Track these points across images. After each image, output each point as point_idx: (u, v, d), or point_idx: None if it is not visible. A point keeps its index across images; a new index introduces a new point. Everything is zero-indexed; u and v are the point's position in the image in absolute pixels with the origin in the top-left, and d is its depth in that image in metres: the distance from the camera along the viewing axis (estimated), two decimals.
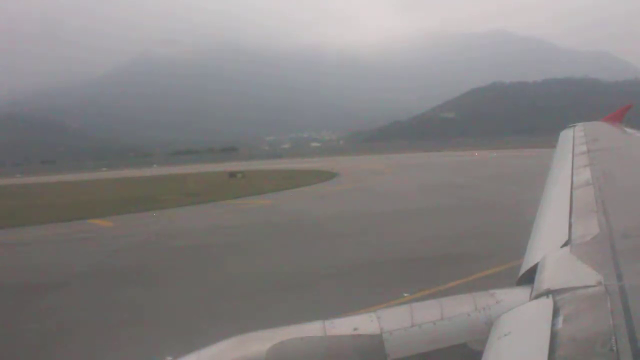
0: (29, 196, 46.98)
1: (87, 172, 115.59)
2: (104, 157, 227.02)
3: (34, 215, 29.12)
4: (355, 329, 1.82)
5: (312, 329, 1.85)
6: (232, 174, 55.00)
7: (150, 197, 36.71)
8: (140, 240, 19.12)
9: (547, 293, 1.64)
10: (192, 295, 11.12)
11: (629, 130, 6.29)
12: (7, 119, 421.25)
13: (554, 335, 1.35)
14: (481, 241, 13.99)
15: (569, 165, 3.97)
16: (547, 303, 1.57)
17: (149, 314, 9.99)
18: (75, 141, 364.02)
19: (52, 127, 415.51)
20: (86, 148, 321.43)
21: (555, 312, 1.47)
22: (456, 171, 44.51)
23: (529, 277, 1.95)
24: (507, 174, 36.19)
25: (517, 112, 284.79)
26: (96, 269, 14.57)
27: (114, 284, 12.78)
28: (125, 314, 10.01)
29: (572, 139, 5.65)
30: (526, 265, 2.10)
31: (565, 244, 2.08)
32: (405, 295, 8.93)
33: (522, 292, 1.85)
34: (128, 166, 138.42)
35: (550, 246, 2.14)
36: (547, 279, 1.77)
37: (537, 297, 1.68)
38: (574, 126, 6.83)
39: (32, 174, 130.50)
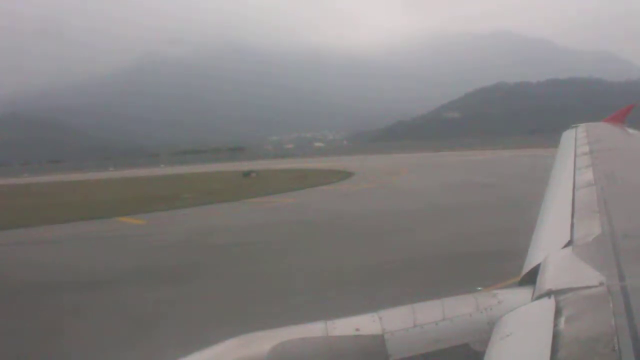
0: (45, 195, 47.18)
1: (95, 172, 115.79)
2: (108, 157, 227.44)
3: (58, 213, 29.20)
4: (357, 330, 1.83)
5: (314, 330, 1.86)
6: (246, 173, 55.02)
7: (170, 195, 36.69)
8: (181, 238, 18.93)
9: (549, 293, 1.63)
10: (269, 290, 11.07)
11: (631, 130, 6.32)
12: (11, 119, 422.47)
13: (556, 336, 1.35)
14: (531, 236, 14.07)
15: (571, 166, 3.97)
16: (549, 303, 1.56)
17: (237, 309, 9.84)
18: (79, 141, 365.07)
19: (55, 126, 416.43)
20: (90, 147, 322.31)
21: (558, 313, 1.47)
22: (473, 170, 44.37)
23: (531, 278, 1.96)
24: (527, 173, 36.12)
25: (521, 112, 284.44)
26: (153, 266, 14.44)
27: (183, 280, 12.65)
28: (213, 310, 9.94)
29: (574, 139, 5.65)
30: (528, 266, 2.11)
31: (567, 245, 2.09)
32: (479, 289, 9.00)
33: (524, 293, 1.86)
34: (135, 166, 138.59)
35: (553, 247, 2.14)
36: (549, 280, 1.77)
37: (539, 297, 1.68)
38: (576, 127, 6.84)
39: (39, 173, 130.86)
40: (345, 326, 1.85)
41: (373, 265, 12.42)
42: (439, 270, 11.65)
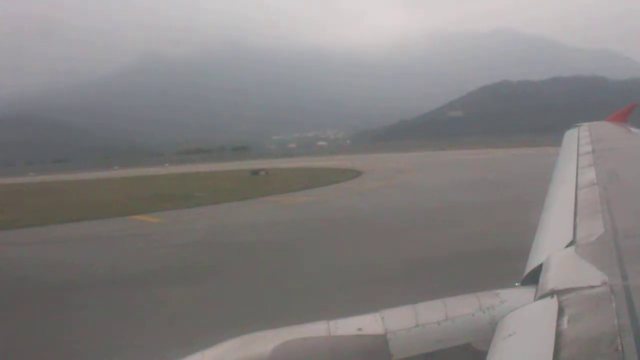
0: (55, 194, 47.16)
1: (100, 171, 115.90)
2: (111, 156, 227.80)
3: (75, 212, 29.22)
4: (359, 329, 1.83)
5: (317, 329, 1.86)
6: (255, 172, 54.89)
7: (181, 194, 36.59)
8: (202, 236, 18.81)
9: (552, 293, 1.63)
10: (319, 284, 11.07)
11: (634, 129, 6.30)
12: (13, 119, 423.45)
13: (558, 336, 1.35)
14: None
15: (574, 165, 3.96)
16: (551, 303, 1.55)
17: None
18: (81, 140, 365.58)
19: (58, 126, 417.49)
20: (93, 147, 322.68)
21: (560, 312, 1.47)
22: (482, 169, 44.22)
23: (533, 277, 1.95)
24: (538, 172, 36.07)
25: (525, 110, 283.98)
26: (181, 263, 14.39)
27: (219, 276, 12.63)
28: (267, 304, 9.89)
29: (576, 139, 5.63)
30: (531, 265, 2.10)
31: (570, 244, 2.08)
32: (516, 285, 8.95)
33: (526, 292, 1.85)
34: (139, 165, 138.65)
35: (555, 246, 2.14)
36: (551, 279, 1.77)
37: (542, 297, 1.67)
38: (579, 126, 6.83)
39: (44, 172, 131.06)
40: (348, 326, 1.85)
41: (421, 258, 12.42)
42: (488, 264, 11.50)
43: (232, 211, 25.84)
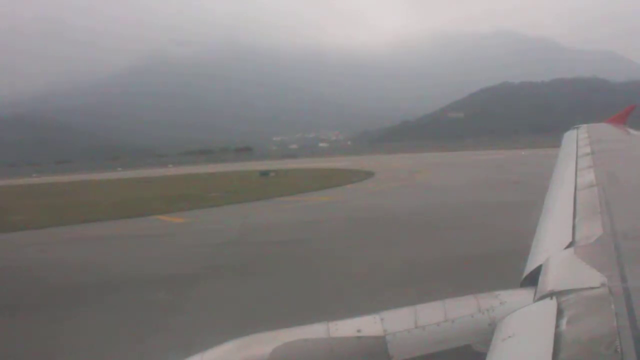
0: (66, 195, 47.07)
1: (104, 172, 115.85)
2: (114, 157, 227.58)
3: (91, 212, 29.15)
4: (358, 331, 1.83)
5: (316, 331, 1.86)
6: (264, 173, 54.86)
7: (196, 195, 36.59)
8: (236, 235, 18.58)
9: (551, 294, 1.63)
10: (388, 278, 11.04)
11: (633, 131, 6.29)
12: (14, 120, 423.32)
13: (557, 337, 1.35)
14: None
15: (573, 166, 3.96)
16: (551, 304, 1.56)
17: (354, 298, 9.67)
18: (83, 141, 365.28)
19: (59, 127, 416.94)
20: (94, 148, 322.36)
21: (559, 314, 1.47)
22: (495, 169, 44.23)
23: (532, 279, 1.95)
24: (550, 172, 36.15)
25: (526, 111, 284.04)
26: (231, 262, 14.31)
27: (279, 273, 12.57)
28: (330, 300, 9.80)
29: (575, 140, 5.62)
30: (530, 267, 2.09)
31: (569, 246, 2.09)
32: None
33: (525, 294, 1.86)
34: (142, 166, 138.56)
35: (554, 248, 2.14)
36: (551, 281, 1.77)
37: (541, 298, 1.67)
38: (578, 127, 6.81)
39: (48, 173, 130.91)
40: (347, 327, 1.85)
41: (460, 258, 12.40)
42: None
43: (255, 211, 25.59)
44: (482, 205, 21.83)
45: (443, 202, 23.94)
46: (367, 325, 1.85)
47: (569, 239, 2.15)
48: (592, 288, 1.58)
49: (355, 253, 14.27)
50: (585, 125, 6.96)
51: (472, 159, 64.63)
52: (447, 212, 20.71)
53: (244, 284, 11.97)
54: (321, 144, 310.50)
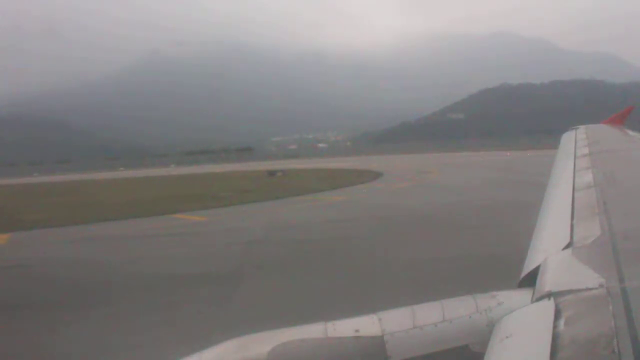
0: (76, 194, 47.08)
1: (106, 172, 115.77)
2: (114, 157, 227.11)
3: (108, 211, 29.11)
4: (356, 331, 1.84)
5: (314, 331, 1.87)
6: (271, 173, 54.82)
7: (207, 194, 36.38)
8: (265, 234, 18.39)
9: (549, 295, 1.65)
10: (433, 271, 11.14)
11: (630, 132, 6.32)
12: (14, 119, 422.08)
13: (555, 338, 1.35)
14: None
15: (571, 167, 3.97)
16: (548, 305, 1.57)
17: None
18: (81, 141, 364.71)
19: (58, 127, 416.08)
20: (93, 148, 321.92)
21: (557, 315, 1.48)
22: (505, 170, 44.05)
23: (530, 279, 1.97)
24: None
25: (525, 113, 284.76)
26: (270, 259, 14.25)
27: (322, 269, 12.57)
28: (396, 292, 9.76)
29: (574, 141, 5.61)
30: (528, 268, 2.11)
31: (567, 246, 2.10)
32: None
33: (523, 294, 1.87)
34: (144, 166, 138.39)
35: (552, 248, 2.15)
36: (548, 281, 1.78)
37: (539, 299, 1.69)
38: (576, 128, 6.81)
39: (49, 173, 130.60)
40: (345, 327, 1.86)
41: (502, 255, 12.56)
42: None
43: (274, 210, 25.52)
44: (508, 204, 21.70)
45: (465, 201, 23.88)
46: (365, 325, 1.86)
47: (567, 240, 2.16)
48: (590, 289, 1.58)
49: (401, 249, 14.25)
50: (583, 126, 6.99)
51: (477, 159, 64.69)
52: (475, 211, 20.64)
53: (301, 279, 12.00)
54: (320, 145, 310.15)
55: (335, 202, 27.89)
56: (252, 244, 16.64)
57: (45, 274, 14.36)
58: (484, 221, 18.25)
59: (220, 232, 19.90)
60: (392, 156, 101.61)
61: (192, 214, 25.50)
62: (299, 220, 21.75)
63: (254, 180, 48.67)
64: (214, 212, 26.12)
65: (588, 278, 1.66)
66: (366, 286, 10.74)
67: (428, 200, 25.65)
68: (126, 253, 16.72)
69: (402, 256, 13.36)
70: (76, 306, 10.77)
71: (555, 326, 1.41)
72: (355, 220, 20.74)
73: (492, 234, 15.58)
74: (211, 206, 28.29)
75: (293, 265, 13.45)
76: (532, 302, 1.73)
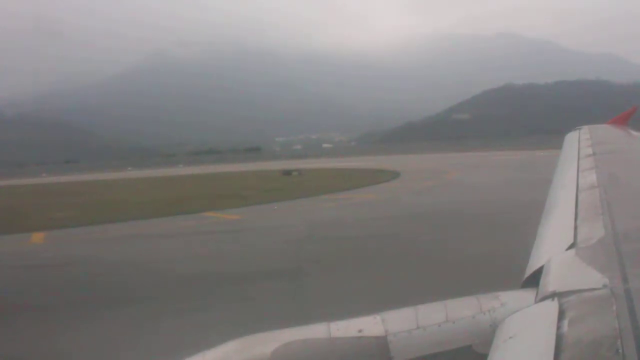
0: (95, 194, 46.79)
1: (115, 172, 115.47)
2: (120, 157, 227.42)
3: (134, 210, 29.01)
4: (359, 331, 1.84)
5: (317, 331, 1.87)
6: (287, 172, 54.55)
7: (228, 194, 35.99)
8: (305, 231, 18.36)
9: (553, 296, 1.64)
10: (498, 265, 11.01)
11: (635, 132, 6.27)
12: (17, 119, 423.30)
13: (559, 338, 1.35)
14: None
15: (575, 168, 3.96)
16: (552, 306, 1.56)
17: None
18: (86, 141, 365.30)
19: (63, 127, 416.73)
20: (98, 148, 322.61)
21: (561, 315, 1.47)
22: (522, 169, 43.73)
23: (534, 280, 1.96)
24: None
25: (529, 113, 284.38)
26: (317, 255, 14.31)
27: (386, 264, 12.64)
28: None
29: (577, 141, 5.58)
30: (531, 268, 2.11)
31: (570, 247, 2.09)
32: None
33: (527, 295, 1.87)
34: (151, 166, 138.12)
35: (556, 249, 2.15)
36: (552, 282, 1.78)
37: (543, 299, 1.68)
38: (580, 129, 6.74)
39: (57, 174, 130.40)
40: (348, 328, 1.87)
41: None
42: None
43: (305, 208, 25.30)
44: (540, 203, 21.76)
45: (496, 200, 23.69)
46: (368, 325, 1.87)
47: (571, 240, 2.15)
48: (593, 289, 1.57)
49: (455, 244, 14.26)
50: (587, 126, 6.94)
51: (490, 159, 64.22)
52: (509, 208, 20.37)
53: (363, 274, 11.98)
54: (325, 145, 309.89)
55: (367, 201, 27.71)
56: (298, 242, 16.51)
57: (103, 273, 14.29)
58: (530, 217, 18.08)
59: (260, 231, 19.79)
60: (400, 156, 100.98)
61: (224, 213, 25.40)
62: (336, 218, 21.56)
63: (271, 180, 48.17)
64: (245, 210, 25.99)
65: (592, 278, 1.65)
66: (461, 276, 10.56)
67: (461, 199, 25.37)
68: (176, 251, 16.65)
69: (471, 252, 13.24)
70: (162, 301, 10.87)
71: (558, 327, 1.40)
72: (395, 218, 20.56)
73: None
74: (240, 205, 28.08)
75: (355, 260, 13.39)
76: (536, 302, 1.71)
